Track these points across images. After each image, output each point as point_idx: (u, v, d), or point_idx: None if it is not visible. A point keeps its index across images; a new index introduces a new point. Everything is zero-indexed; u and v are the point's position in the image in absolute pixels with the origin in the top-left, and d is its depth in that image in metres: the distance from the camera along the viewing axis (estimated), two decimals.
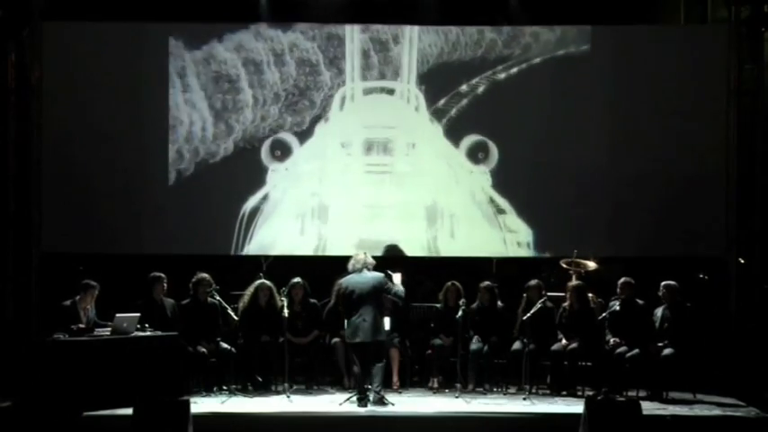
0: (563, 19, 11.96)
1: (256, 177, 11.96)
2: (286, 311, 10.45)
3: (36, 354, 9.70)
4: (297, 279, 10.99)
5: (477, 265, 11.92)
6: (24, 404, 9.60)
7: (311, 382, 10.91)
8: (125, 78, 11.79)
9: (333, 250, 11.90)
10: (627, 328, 10.60)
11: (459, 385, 10.53)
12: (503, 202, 11.98)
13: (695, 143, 11.78)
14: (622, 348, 10.51)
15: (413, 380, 11.19)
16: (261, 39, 12.00)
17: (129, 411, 8.74)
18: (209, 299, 10.74)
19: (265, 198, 11.96)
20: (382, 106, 12.00)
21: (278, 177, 11.98)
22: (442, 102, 11.96)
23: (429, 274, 12.00)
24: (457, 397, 10.40)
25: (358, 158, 12.01)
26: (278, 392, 10.52)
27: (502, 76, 11.96)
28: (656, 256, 11.68)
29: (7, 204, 11.39)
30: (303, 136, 11.94)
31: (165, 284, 10.61)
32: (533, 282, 11.04)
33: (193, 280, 10.75)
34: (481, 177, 11.98)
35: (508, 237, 11.99)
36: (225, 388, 10.52)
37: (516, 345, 10.75)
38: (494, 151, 11.95)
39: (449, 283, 11.08)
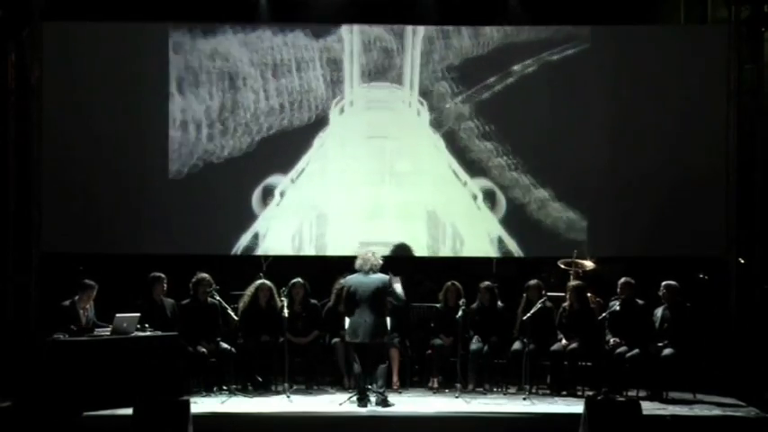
0: (563, 19, 11.95)
1: (256, 177, 11.97)
2: (286, 311, 10.45)
3: (36, 354, 9.69)
4: (297, 279, 10.99)
5: (478, 265, 11.92)
6: (24, 404, 9.61)
7: (311, 382, 10.91)
8: (125, 78, 11.78)
9: (333, 250, 11.92)
10: (627, 328, 10.60)
11: (459, 385, 10.53)
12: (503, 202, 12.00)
13: (695, 143, 11.78)
14: (622, 348, 10.51)
15: (413, 380, 11.19)
16: (261, 39, 11.99)
17: (129, 411, 8.74)
18: (209, 299, 10.74)
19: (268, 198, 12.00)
20: (382, 108, 12.00)
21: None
22: (443, 107, 11.98)
23: (429, 274, 12.00)
24: (457, 397, 10.40)
25: (358, 159, 12.02)
26: (278, 392, 10.52)
27: (502, 76, 11.99)
28: (656, 256, 11.68)
29: (7, 204, 11.38)
30: (301, 146, 11.93)
31: (165, 285, 10.61)
32: (533, 282, 11.04)
33: (193, 280, 10.75)
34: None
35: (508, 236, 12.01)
36: (225, 388, 10.52)
37: (516, 345, 10.75)
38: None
39: (449, 283, 11.08)
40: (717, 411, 9.99)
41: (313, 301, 11.09)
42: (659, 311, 10.70)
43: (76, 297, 10.11)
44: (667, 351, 10.43)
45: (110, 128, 11.76)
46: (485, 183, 11.97)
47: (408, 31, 11.96)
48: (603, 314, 10.75)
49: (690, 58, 11.80)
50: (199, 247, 11.78)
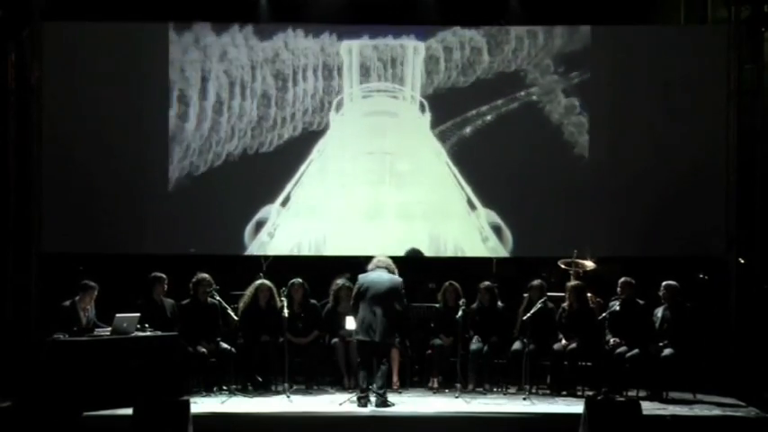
0: (563, 19, 11.95)
1: (255, 178, 11.97)
2: (286, 311, 10.45)
3: (36, 354, 9.69)
4: (296, 279, 11.00)
5: (478, 265, 11.92)
6: (24, 404, 9.60)
7: (311, 382, 10.90)
8: (125, 78, 11.78)
9: (333, 251, 11.92)
10: (627, 328, 10.60)
11: (459, 385, 10.53)
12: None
13: (695, 143, 11.78)
14: (622, 348, 10.51)
15: (413, 380, 11.19)
16: (261, 40, 12.00)
17: (129, 411, 8.74)
18: (209, 299, 10.74)
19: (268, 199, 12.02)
20: (384, 113, 12.01)
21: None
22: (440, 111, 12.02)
23: (429, 274, 12.00)
24: (457, 397, 10.40)
25: (358, 159, 12.02)
26: (278, 392, 10.52)
27: (502, 76, 12.01)
28: (656, 256, 11.68)
29: (7, 204, 11.38)
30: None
31: (166, 285, 10.61)
32: (536, 282, 11.03)
33: (193, 280, 10.75)
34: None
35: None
36: (225, 388, 10.52)
37: (516, 345, 10.74)
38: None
39: (447, 283, 11.08)
40: (717, 411, 9.98)
41: (313, 301, 11.09)
42: (659, 311, 10.69)
43: (77, 297, 10.11)
44: (667, 351, 10.43)
45: (110, 128, 11.76)
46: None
47: (412, 44, 11.95)
48: (603, 314, 10.75)
49: (690, 58, 11.80)
50: (199, 248, 11.79)
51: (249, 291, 10.88)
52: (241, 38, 11.96)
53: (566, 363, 10.66)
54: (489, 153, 11.97)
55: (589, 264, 11.44)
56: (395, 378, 10.75)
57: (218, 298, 10.70)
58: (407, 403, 10.17)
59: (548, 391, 10.72)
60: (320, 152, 12.01)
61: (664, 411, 9.82)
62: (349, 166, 12.04)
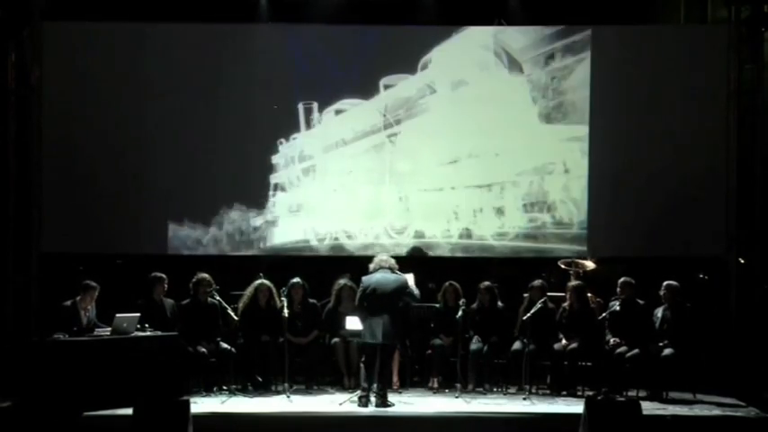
0: (563, 19, 11.95)
1: (255, 177, 11.97)
2: (286, 311, 10.46)
3: (36, 354, 9.69)
4: (297, 279, 11.00)
5: (478, 265, 11.92)
6: (24, 404, 9.59)
7: (311, 382, 10.90)
8: (125, 78, 11.78)
9: (332, 251, 11.94)
10: (627, 328, 10.60)
11: (459, 385, 10.53)
12: (503, 202, 11.99)
13: (695, 143, 11.78)
14: (622, 348, 10.51)
15: (413, 380, 11.19)
16: (261, 40, 12.01)
17: (129, 411, 8.73)
18: (210, 299, 10.74)
19: (270, 199, 12.01)
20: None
21: (283, 176, 12.03)
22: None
23: (429, 274, 11.99)
24: (457, 397, 10.40)
25: (357, 158, 12.04)
26: (278, 392, 10.52)
27: (502, 76, 12.02)
28: (656, 256, 11.68)
29: (7, 204, 11.38)
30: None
31: (166, 285, 10.61)
32: (537, 282, 11.03)
33: (193, 280, 10.75)
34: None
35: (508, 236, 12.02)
36: (225, 388, 10.52)
37: (516, 345, 10.75)
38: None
39: (447, 284, 11.09)
40: (717, 411, 9.99)
41: (312, 300, 11.09)
42: (659, 311, 10.70)
43: (78, 297, 10.11)
44: (667, 351, 10.43)
45: (110, 128, 11.76)
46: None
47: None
48: (603, 314, 10.75)
49: (690, 58, 11.80)
50: (198, 248, 11.79)
51: (249, 291, 10.88)
52: (241, 37, 11.95)
53: (566, 363, 10.67)
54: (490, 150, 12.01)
55: (589, 264, 11.45)
56: (395, 378, 10.76)
57: (218, 298, 10.70)
58: (407, 403, 10.17)
59: (548, 391, 10.73)
60: (319, 150, 12.04)
61: (664, 411, 9.82)
62: (349, 164, 12.04)
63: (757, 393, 10.37)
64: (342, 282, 11.06)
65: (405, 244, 11.95)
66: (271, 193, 12.02)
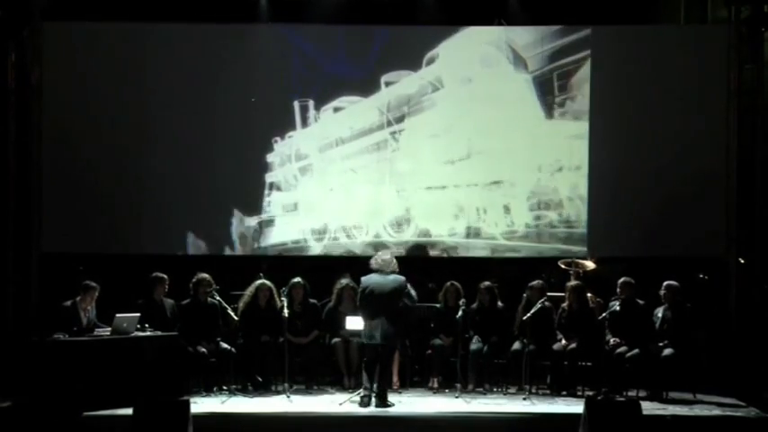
0: (563, 19, 11.95)
1: (255, 178, 11.97)
2: (286, 311, 10.46)
3: (36, 354, 9.69)
4: (297, 279, 11.00)
5: (478, 265, 11.92)
6: (24, 404, 9.60)
7: (311, 382, 10.90)
8: (125, 78, 11.78)
9: (332, 250, 11.93)
10: (627, 328, 10.60)
11: (459, 385, 10.53)
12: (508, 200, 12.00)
13: (695, 143, 11.78)
14: (622, 348, 10.51)
15: (413, 380, 11.19)
16: (261, 40, 12.01)
17: (129, 411, 8.73)
18: (210, 299, 10.74)
19: (264, 198, 12.00)
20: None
21: (279, 175, 12.02)
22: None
23: (429, 274, 11.99)
24: (457, 397, 10.40)
25: (358, 156, 12.04)
26: (278, 392, 10.52)
27: (502, 75, 12.02)
28: (656, 256, 11.68)
29: (7, 204, 11.38)
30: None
31: (167, 285, 10.61)
32: (536, 282, 11.03)
33: (193, 280, 10.75)
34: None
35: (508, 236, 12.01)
36: (225, 388, 10.52)
37: (516, 345, 10.75)
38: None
39: (448, 284, 11.08)
40: (717, 411, 9.99)
41: (313, 300, 11.09)
42: (659, 311, 10.70)
43: (78, 297, 10.12)
44: (667, 351, 10.43)
45: (110, 128, 11.76)
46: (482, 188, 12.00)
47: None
48: (603, 314, 10.75)
49: (690, 58, 11.80)
50: (199, 248, 11.79)
51: (249, 291, 10.88)
52: (241, 37, 11.96)
53: (566, 363, 10.66)
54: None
55: (589, 264, 11.44)
56: (395, 378, 10.76)
57: (218, 298, 10.71)
58: (407, 403, 10.17)
59: (548, 391, 10.72)
60: (318, 148, 12.05)
61: (664, 411, 9.82)
62: (349, 162, 12.05)
63: (757, 393, 10.37)
64: (343, 282, 11.06)
65: (406, 242, 11.94)
66: (266, 192, 12.01)
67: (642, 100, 11.84)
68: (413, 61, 11.94)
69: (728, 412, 9.96)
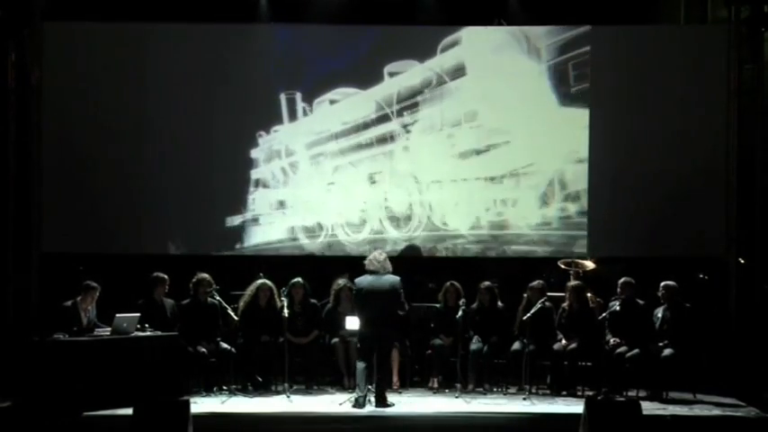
0: (563, 19, 11.95)
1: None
2: (286, 311, 10.46)
3: (36, 354, 9.68)
4: (297, 279, 11.00)
5: (478, 265, 11.92)
6: (24, 404, 9.59)
7: (311, 382, 10.91)
8: (125, 78, 11.79)
9: (333, 250, 11.93)
10: (627, 328, 10.60)
11: (459, 385, 10.54)
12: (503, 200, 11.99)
13: (695, 143, 11.78)
14: (622, 348, 10.51)
15: (413, 380, 11.19)
16: (261, 40, 12.01)
17: (129, 411, 8.72)
18: (210, 299, 10.75)
19: (264, 198, 12.01)
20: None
21: (278, 175, 12.03)
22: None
23: (429, 274, 12.00)
24: (457, 397, 10.40)
25: (358, 153, 12.05)
26: (278, 392, 10.53)
27: (502, 75, 12.02)
28: (656, 256, 11.68)
29: (7, 204, 11.38)
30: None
31: (167, 285, 10.61)
32: (536, 283, 11.02)
33: (193, 280, 10.76)
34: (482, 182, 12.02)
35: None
36: (225, 388, 10.53)
37: (516, 345, 10.75)
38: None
39: (448, 284, 11.08)
40: (717, 411, 9.99)
41: (313, 300, 11.09)
42: (659, 311, 10.70)
43: (78, 297, 10.12)
44: (667, 351, 10.43)
45: (110, 128, 11.76)
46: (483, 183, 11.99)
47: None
48: (603, 314, 10.75)
49: (690, 58, 11.80)
50: (199, 247, 11.79)
51: (249, 291, 10.88)
52: (241, 37, 11.96)
53: (566, 363, 10.67)
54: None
55: (589, 264, 11.44)
56: (395, 378, 10.76)
57: (218, 298, 10.71)
58: (407, 403, 10.17)
59: (548, 391, 10.73)
60: (316, 147, 12.05)
61: (664, 411, 9.83)
62: (348, 161, 12.05)
63: (757, 393, 10.37)
64: (341, 282, 11.06)
65: (410, 238, 11.93)
66: (259, 190, 12.02)
67: (642, 100, 11.84)
68: (411, 61, 11.91)
69: (728, 412, 9.97)
